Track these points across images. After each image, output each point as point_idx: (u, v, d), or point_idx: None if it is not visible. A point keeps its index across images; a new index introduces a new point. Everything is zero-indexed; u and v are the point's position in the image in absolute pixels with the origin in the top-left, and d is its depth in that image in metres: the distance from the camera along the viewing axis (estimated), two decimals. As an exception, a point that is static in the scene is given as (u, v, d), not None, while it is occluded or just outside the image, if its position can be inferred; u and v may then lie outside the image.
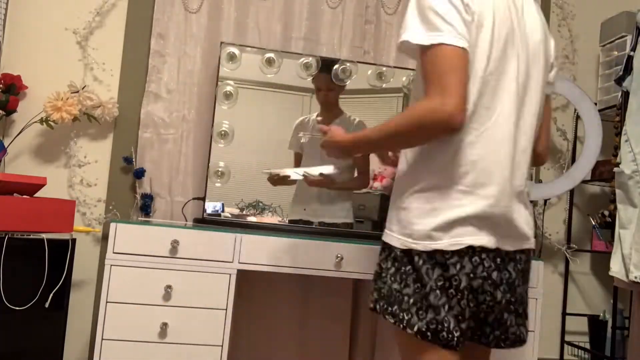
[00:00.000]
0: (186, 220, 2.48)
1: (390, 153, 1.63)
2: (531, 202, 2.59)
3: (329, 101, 2.56)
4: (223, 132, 2.49)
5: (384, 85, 2.62)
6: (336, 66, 2.55)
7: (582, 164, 2.58)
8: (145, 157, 2.52)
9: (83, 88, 2.47)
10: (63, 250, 2.18)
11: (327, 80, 2.54)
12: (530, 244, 1.41)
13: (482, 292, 1.30)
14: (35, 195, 2.19)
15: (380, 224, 2.51)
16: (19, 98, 2.44)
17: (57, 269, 2.14)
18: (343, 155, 1.55)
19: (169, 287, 1.97)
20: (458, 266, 1.26)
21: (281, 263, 2.06)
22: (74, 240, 2.23)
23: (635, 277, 2.13)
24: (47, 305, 2.11)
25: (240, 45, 2.53)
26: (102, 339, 1.94)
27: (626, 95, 2.34)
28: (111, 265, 1.97)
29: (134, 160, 2.52)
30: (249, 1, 2.65)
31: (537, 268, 2.23)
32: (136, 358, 1.95)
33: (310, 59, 2.56)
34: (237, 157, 2.50)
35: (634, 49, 2.29)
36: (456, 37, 1.21)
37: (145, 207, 2.49)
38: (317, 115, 2.55)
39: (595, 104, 2.69)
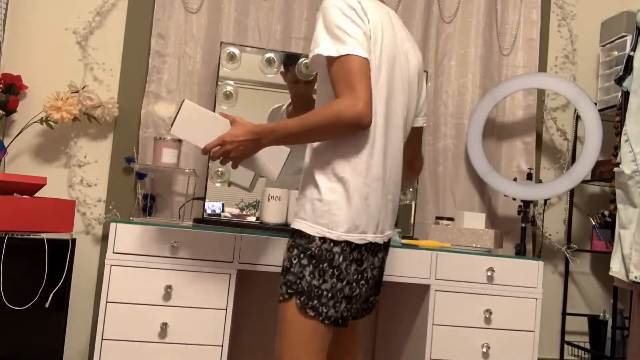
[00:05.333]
0: (183, 220, 2.48)
1: None
2: (531, 202, 2.61)
3: (298, 95, 2.55)
4: (223, 132, 2.48)
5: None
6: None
7: (582, 164, 2.58)
8: (146, 157, 2.52)
9: (83, 88, 2.47)
10: (63, 250, 2.18)
11: (291, 74, 2.54)
12: None
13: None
14: (35, 195, 2.19)
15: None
16: (19, 98, 2.44)
17: (57, 269, 2.14)
18: (250, 149, 1.49)
19: (169, 287, 1.97)
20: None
21: (281, 263, 2.06)
22: (74, 240, 2.23)
23: (635, 277, 2.13)
24: (47, 305, 2.11)
25: (240, 45, 2.54)
26: (102, 339, 1.95)
27: (626, 95, 2.34)
28: (111, 265, 1.97)
29: (136, 160, 2.52)
30: (249, 1, 2.65)
31: (537, 268, 2.23)
32: (136, 358, 1.95)
33: (310, 59, 2.55)
34: (237, 157, 2.50)
35: (634, 49, 2.29)
36: (359, 48, 1.38)
37: (147, 207, 2.49)
38: (289, 105, 2.54)
39: (595, 104, 2.69)
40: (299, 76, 2.53)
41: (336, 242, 1.40)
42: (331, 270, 1.40)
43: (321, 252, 1.40)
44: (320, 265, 1.40)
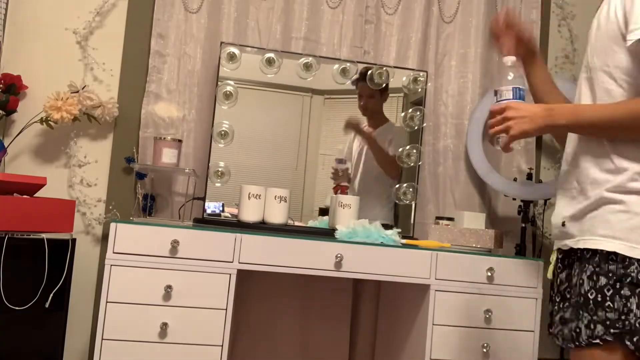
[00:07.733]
0: (183, 220, 2.48)
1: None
2: (531, 202, 2.61)
3: (369, 108, 2.62)
4: (223, 132, 2.49)
5: (384, 85, 2.62)
6: (336, 66, 2.56)
7: (582, 164, 2.58)
8: (146, 157, 2.52)
9: (83, 88, 2.47)
10: (63, 250, 2.18)
11: (365, 87, 2.59)
12: None
13: None
14: (35, 195, 2.19)
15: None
16: (19, 98, 2.44)
17: (57, 269, 2.14)
18: (532, 128, 1.29)
19: (169, 287, 1.97)
20: None
21: (281, 263, 2.06)
22: (74, 240, 2.23)
23: (635, 277, 2.12)
24: (47, 305, 2.11)
25: (240, 45, 2.54)
26: (102, 339, 1.94)
27: (626, 95, 2.34)
28: (111, 265, 1.97)
29: (136, 160, 2.52)
30: (249, 1, 2.65)
31: (537, 268, 2.23)
32: (136, 358, 1.95)
33: (310, 59, 2.56)
34: (237, 157, 2.50)
35: (634, 49, 2.29)
36: None
37: (147, 207, 2.49)
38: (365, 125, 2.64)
39: (595, 104, 2.69)
40: (371, 86, 2.58)
41: None
42: None
43: None
44: None
